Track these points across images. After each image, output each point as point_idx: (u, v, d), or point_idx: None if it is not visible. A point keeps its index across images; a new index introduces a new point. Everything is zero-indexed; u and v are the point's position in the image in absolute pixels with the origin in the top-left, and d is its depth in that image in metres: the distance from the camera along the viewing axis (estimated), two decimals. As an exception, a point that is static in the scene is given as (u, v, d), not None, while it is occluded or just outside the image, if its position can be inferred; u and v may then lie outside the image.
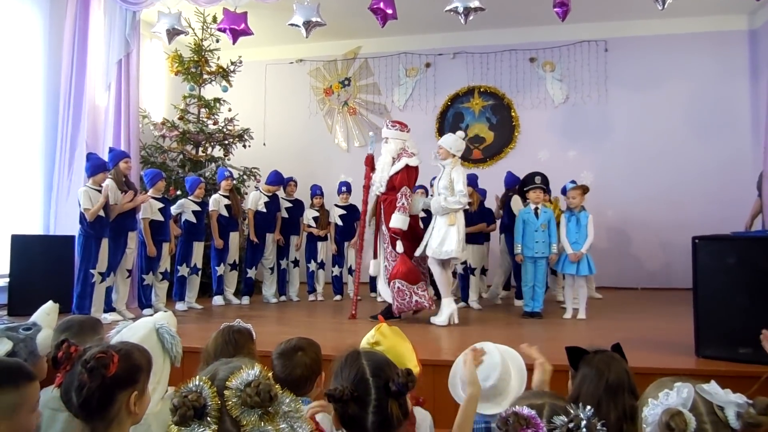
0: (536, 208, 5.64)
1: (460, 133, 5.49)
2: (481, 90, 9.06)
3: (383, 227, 5.44)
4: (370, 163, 5.61)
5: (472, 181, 6.46)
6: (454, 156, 5.27)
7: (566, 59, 8.76)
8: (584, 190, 5.66)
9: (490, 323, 5.43)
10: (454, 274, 6.42)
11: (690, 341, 3.75)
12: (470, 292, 6.34)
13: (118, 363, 1.50)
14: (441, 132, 9.17)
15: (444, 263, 5.23)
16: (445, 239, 5.10)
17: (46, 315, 2.54)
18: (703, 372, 3.31)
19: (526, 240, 5.64)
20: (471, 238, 6.26)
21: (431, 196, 5.66)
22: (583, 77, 8.68)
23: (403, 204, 5.24)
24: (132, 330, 2.07)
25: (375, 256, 5.58)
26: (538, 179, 5.70)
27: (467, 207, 6.15)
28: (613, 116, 8.55)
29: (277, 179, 6.94)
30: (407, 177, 5.36)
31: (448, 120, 9.19)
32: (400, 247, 5.24)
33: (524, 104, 8.89)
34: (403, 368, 1.53)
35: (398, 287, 5.20)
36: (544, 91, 8.84)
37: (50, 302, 2.59)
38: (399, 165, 5.35)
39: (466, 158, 9.06)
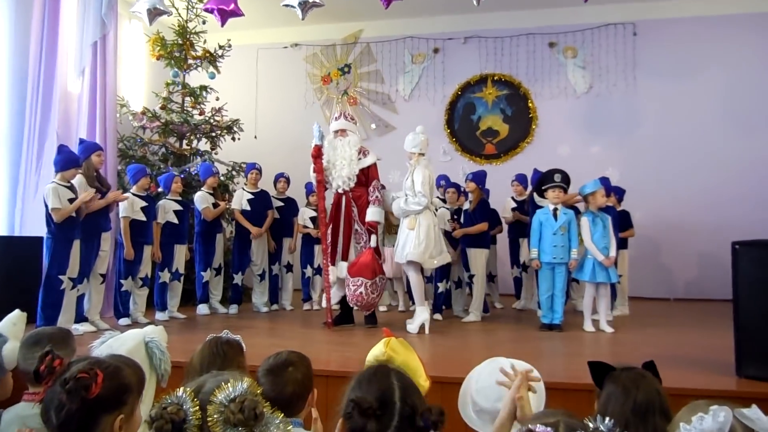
0: (555, 209, 5.61)
1: (419, 128, 5.74)
2: (495, 78, 9.05)
3: (356, 225, 5.72)
4: (320, 155, 5.73)
5: (479, 177, 6.42)
6: (416, 154, 5.58)
7: (590, 44, 8.73)
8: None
9: (504, 336, 5.42)
10: (461, 283, 6.47)
11: (730, 359, 3.71)
12: (453, 302, 6.47)
13: (102, 383, 1.48)
14: (450, 124, 9.18)
15: (417, 268, 5.48)
16: (406, 242, 5.44)
17: (12, 325, 2.53)
18: (746, 394, 3.28)
19: (543, 244, 5.61)
20: (473, 241, 6.22)
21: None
22: (609, 64, 8.65)
23: (377, 197, 5.69)
24: (119, 341, 2.07)
25: (344, 258, 5.72)
26: (557, 177, 5.68)
27: (466, 206, 6.22)
28: (641, 107, 8.52)
29: (249, 166, 7.04)
30: (377, 171, 5.83)
31: (458, 111, 9.18)
32: (373, 241, 5.62)
33: (543, 94, 8.87)
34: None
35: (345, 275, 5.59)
36: (564, 80, 8.82)
37: (17, 311, 2.59)
38: (370, 159, 5.78)
39: (479, 154, 9.05)
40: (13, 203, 6.17)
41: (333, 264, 5.73)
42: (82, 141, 5.65)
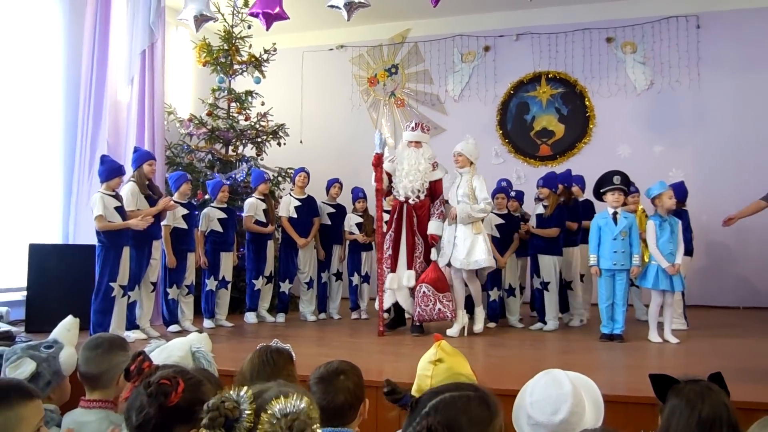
0: (615, 213, 5.54)
1: (472, 140, 6.22)
2: (550, 76, 8.96)
3: (416, 237, 6.00)
4: (380, 164, 5.99)
5: (550, 181, 6.30)
6: (472, 164, 5.90)
7: (650, 38, 8.56)
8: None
9: (561, 346, 5.37)
10: (513, 291, 6.54)
11: (805, 372, 3.59)
12: (507, 312, 6.54)
13: (182, 393, 1.56)
14: (502, 125, 9.14)
15: (474, 274, 5.82)
16: (472, 249, 5.67)
17: (67, 331, 2.65)
18: (822, 409, 3.17)
19: (602, 250, 5.55)
20: (545, 248, 6.22)
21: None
22: (671, 59, 8.46)
23: (441, 210, 5.99)
24: (167, 351, 2.16)
25: (410, 267, 5.96)
26: (616, 179, 5.60)
27: (542, 211, 6.21)
28: (707, 104, 8.30)
29: (298, 170, 7.13)
30: (442, 186, 6.14)
31: (511, 111, 9.12)
32: (434, 254, 5.95)
33: (600, 92, 8.74)
34: None
35: (424, 292, 5.76)
36: (624, 77, 8.67)
37: (70, 317, 2.71)
38: (439, 173, 6.09)
39: (533, 155, 8.97)
40: (67, 211, 6.46)
41: (394, 271, 5.95)
42: (136, 149, 5.86)
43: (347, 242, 7.24)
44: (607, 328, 5.51)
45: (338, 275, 7.24)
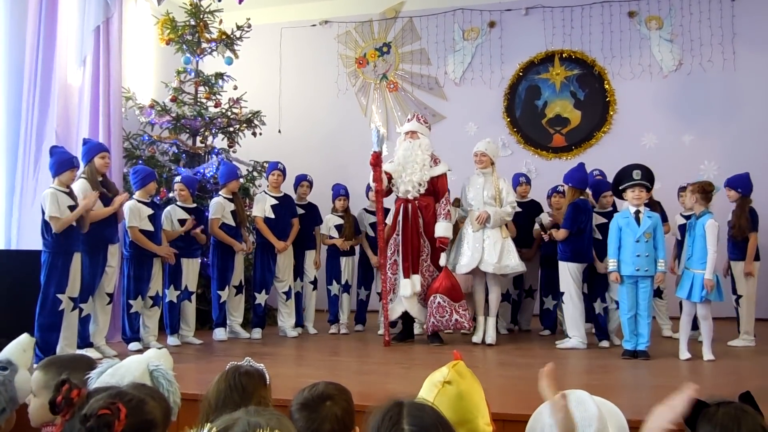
0: (637, 212, 5.55)
1: (489, 138, 6.65)
2: (564, 56, 8.99)
3: (422, 239, 6.29)
4: (379, 163, 6.17)
5: (572, 178, 6.25)
6: (493, 163, 6.33)
7: (678, 13, 8.60)
8: (702, 188, 5.53)
9: (578, 365, 5.38)
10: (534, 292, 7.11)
11: None
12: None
13: (125, 419, 1.55)
14: (510, 112, 9.15)
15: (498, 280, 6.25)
16: (503, 253, 6.11)
17: (23, 351, 2.61)
18: None
19: (623, 254, 5.56)
20: (561, 252, 6.23)
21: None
22: (702, 36, 8.50)
23: (448, 210, 6.31)
24: (121, 371, 2.13)
25: (415, 271, 6.25)
26: (637, 174, 5.60)
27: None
28: (743, 87, 8.34)
29: (271, 166, 7.10)
30: (446, 183, 6.42)
31: (520, 96, 9.14)
32: (443, 259, 6.22)
33: (622, 73, 8.78)
34: None
35: (439, 302, 6.08)
36: (648, 56, 8.71)
37: (26, 336, 2.68)
38: (441, 168, 6.37)
39: (545, 146, 8.99)
40: (9, 213, 6.38)
41: (407, 276, 6.22)
42: (86, 141, 5.82)
43: (325, 247, 7.26)
44: (630, 343, 5.52)
45: (314, 283, 7.22)
